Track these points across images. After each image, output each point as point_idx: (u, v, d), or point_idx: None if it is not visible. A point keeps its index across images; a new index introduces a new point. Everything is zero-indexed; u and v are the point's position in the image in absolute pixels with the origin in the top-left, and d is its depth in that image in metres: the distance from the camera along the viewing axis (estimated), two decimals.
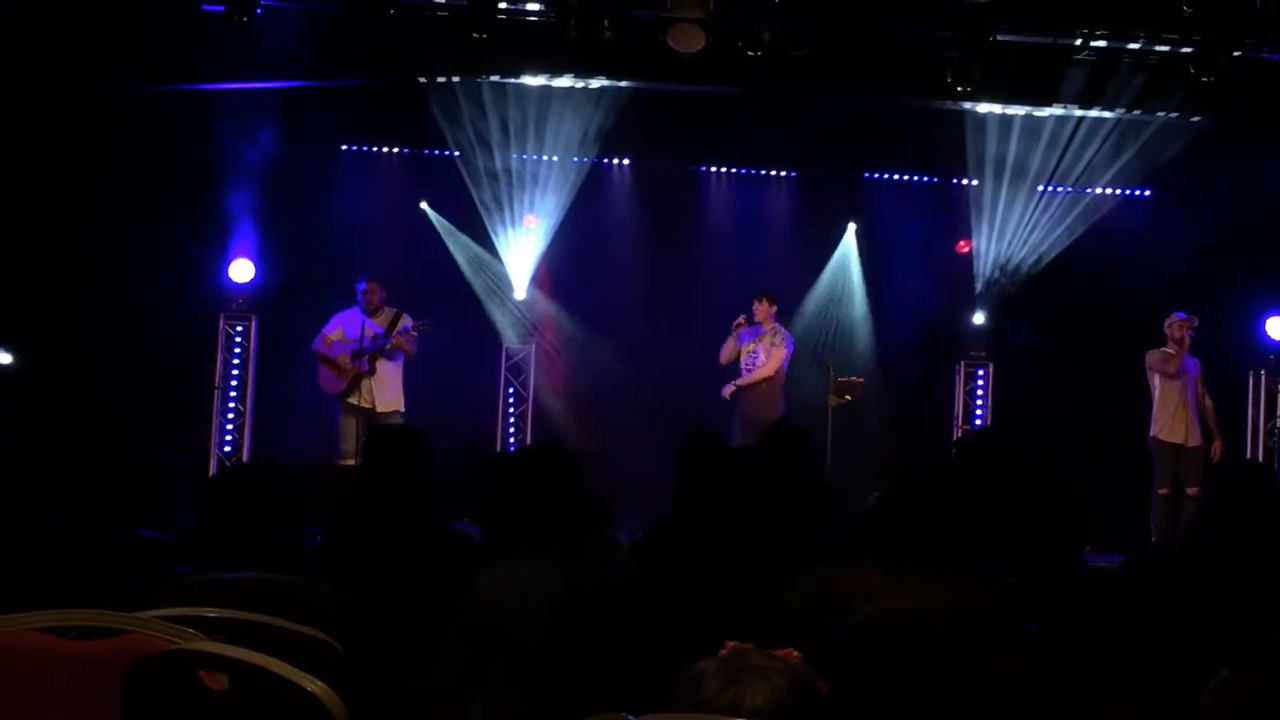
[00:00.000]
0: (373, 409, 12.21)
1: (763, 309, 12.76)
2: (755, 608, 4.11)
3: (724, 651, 2.49)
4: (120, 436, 11.38)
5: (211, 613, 3.51)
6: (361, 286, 12.37)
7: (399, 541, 4.86)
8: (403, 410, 12.33)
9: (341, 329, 12.32)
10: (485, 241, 14.06)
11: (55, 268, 12.71)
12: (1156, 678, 3.62)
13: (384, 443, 5.13)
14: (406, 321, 12.32)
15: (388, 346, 12.21)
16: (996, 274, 14.30)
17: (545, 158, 14.09)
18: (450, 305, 13.34)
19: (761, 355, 12.71)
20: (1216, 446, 12.24)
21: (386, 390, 12.31)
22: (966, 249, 14.46)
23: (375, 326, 12.30)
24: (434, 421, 12.23)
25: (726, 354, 12.88)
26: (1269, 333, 13.97)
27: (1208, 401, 12.36)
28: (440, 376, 12.91)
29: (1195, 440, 12.18)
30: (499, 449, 13.61)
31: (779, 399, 12.67)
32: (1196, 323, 12.30)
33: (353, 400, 12.23)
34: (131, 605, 3.43)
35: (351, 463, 11.86)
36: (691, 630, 4.18)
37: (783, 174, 14.95)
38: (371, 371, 12.20)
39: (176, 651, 3.11)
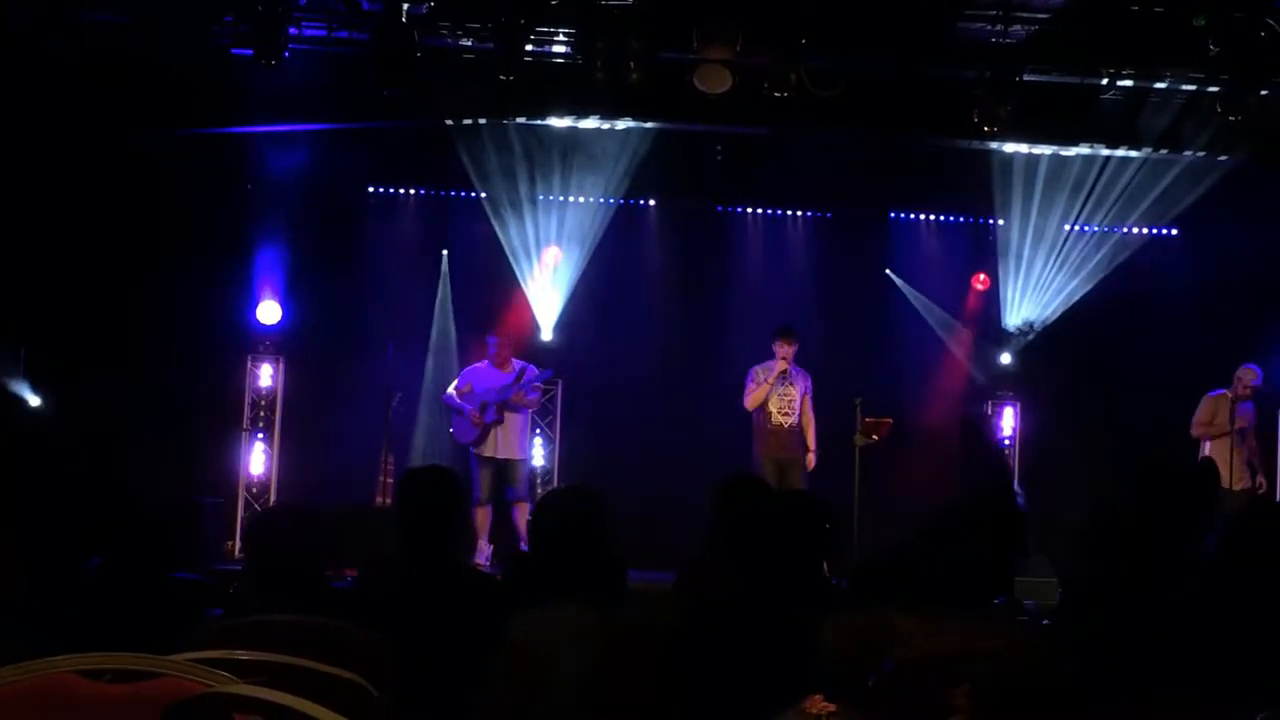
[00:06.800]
0: (499, 458, 12.61)
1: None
2: (792, 651, 4.09)
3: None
4: (150, 478, 11.41)
5: (246, 655, 3.50)
6: (492, 341, 12.77)
7: (432, 584, 4.84)
8: (528, 460, 13.00)
9: (471, 383, 12.68)
10: (512, 282, 14.04)
11: (86, 311, 12.77)
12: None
13: (417, 486, 5.10)
14: (530, 374, 12.67)
15: (512, 399, 12.56)
16: (1022, 315, 14.27)
17: (572, 199, 14.12)
18: (476, 346, 13.33)
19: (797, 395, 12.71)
20: (1261, 482, 12.66)
21: (513, 440, 12.69)
22: (984, 285, 14.46)
23: (505, 378, 12.64)
24: (462, 464, 12.33)
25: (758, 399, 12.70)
26: None
27: (1253, 443, 12.70)
28: None
29: (1237, 485, 12.41)
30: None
31: None
32: (1256, 380, 12.63)
33: (483, 451, 12.60)
34: (166, 648, 3.43)
35: (483, 511, 12.56)
36: (731, 673, 4.17)
37: (809, 214, 14.93)
38: (500, 422, 12.56)
39: (211, 694, 3.10)
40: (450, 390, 12.75)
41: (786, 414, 12.62)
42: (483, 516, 12.58)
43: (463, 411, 12.58)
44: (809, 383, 12.77)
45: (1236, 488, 12.26)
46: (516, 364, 12.78)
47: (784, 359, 12.61)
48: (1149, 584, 4.49)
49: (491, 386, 12.60)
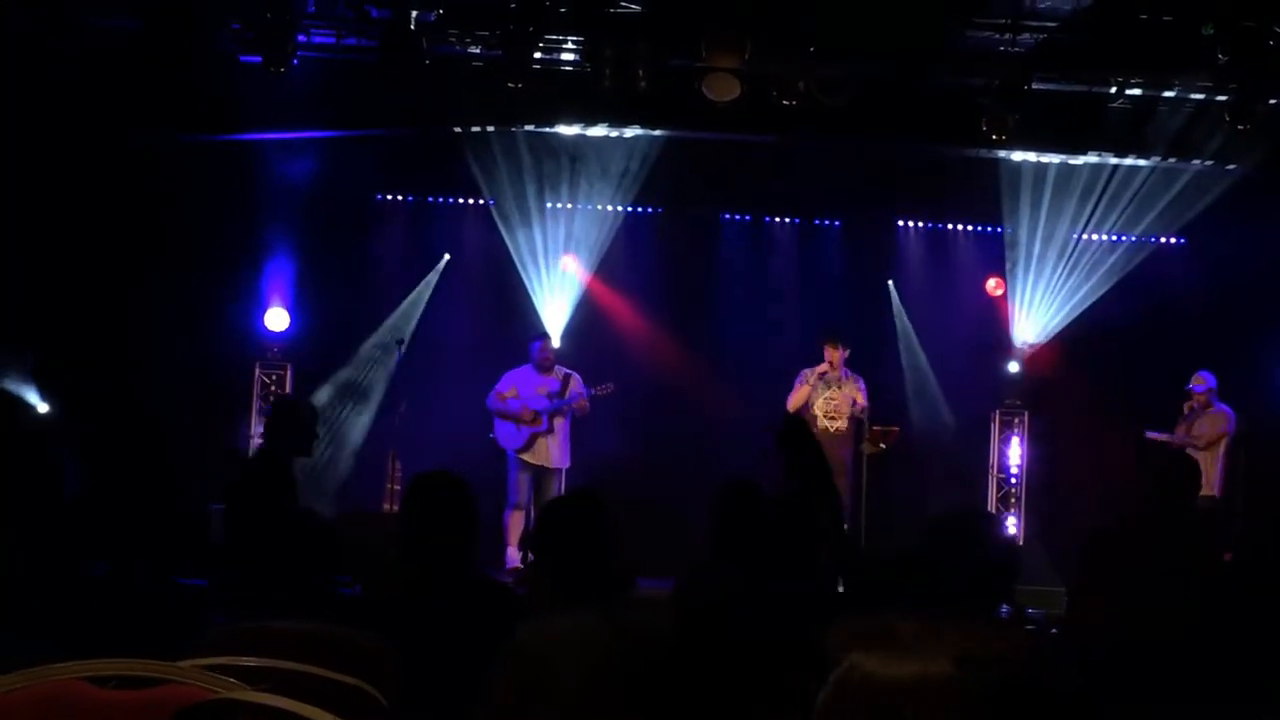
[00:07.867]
0: (545, 466, 12.56)
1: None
2: (793, 656, 4.08)
3: None
4: (157, 485, 11.41)
5: (252, 662, 3.50)
6: (538, 346, 12.76)
7: (441, 591, 4.83)
8: (568, 468, 12.75)
9: (515, 387, 12.61)
10: (520, 289, 14.04)
11: (94, 317, 12.76)
12: None
13: (425, 492, 5.09)
14: (578, 383, 12.68)
15: (566, 408, 12.57)
16: (1022, 339, 14.26)
17: (579, 206, 14.11)
18: (484, 353, 13.34)
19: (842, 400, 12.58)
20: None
21: (558, 449, 12.64)
22: (1000, 289, 14.41)
23: (551, 383, 12.61)
24: (470, 470, 12.29)
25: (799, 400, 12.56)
26: None
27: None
28: (475, 424, 12.89)
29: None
30: None
31: None
32: (1190, 385, 12.51)
33: (527, 457, 12.54)
34: (172, 654, 3.43)
35: (517, 516, 12.43)
36: (732, 677, 4.16)
37: (817, 223, 14.89)
38: (549, 430, 12.53)
39: (218, 701, 3.10)
40: (494, 394, 12.62)
41: (833, 418, 12.51)
42: (515, 520, 12.45)
43: (513, 415, 12.50)
44: (862, 385, 12.65)
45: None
46: (560, 369, 12.76)
47: (829, 363, 12.53)
48: (1152, 589, 4.50)
49: (538, 392, 12.56)
